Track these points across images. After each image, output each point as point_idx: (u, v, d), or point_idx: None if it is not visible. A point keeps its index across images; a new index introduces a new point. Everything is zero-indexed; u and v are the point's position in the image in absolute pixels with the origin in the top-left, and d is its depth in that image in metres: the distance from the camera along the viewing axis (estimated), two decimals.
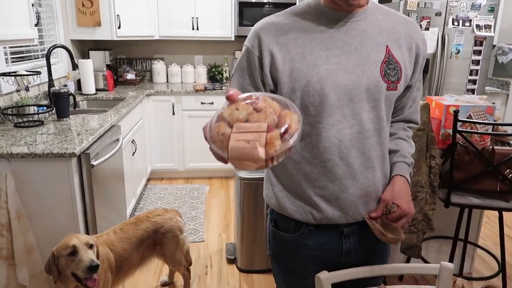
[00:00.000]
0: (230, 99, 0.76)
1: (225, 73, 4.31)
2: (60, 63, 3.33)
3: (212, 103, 3.85)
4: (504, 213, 2.06)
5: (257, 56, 1.01)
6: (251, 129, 0.71)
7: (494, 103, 2.39)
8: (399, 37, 1.05)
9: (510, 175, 1.89)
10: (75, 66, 2.91)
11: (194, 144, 3.94)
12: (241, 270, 2.58)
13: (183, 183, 4.00)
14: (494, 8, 3.59)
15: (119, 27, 3.53)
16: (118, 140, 2.57)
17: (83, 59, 3.46)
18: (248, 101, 0.75)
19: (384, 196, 1.07)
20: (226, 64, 4.33)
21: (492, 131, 2.06)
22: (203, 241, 2.93)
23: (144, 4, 3.77)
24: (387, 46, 1.02)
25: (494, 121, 2.05)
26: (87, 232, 2.10)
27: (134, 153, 3.17)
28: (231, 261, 2.67)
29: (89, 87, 3.42)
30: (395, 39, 1.04)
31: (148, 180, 3.98)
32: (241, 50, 1.08)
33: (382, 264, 1.17)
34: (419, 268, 1.21)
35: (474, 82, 3.81)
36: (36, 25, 2.25)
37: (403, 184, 1.09)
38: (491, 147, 1.90)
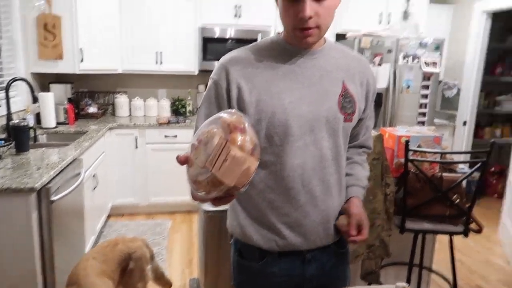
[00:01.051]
0: (185, 162, 0.84)
1: (189, 106, 4.36)
2: (19, 96, 3.26)
3: (176, 136, 3.87)
4: (454, 237, 2.18)
5: (225, 88, 1.07)
6: (216, 152, 0.77)
7: (443, 134, 2.58)
8: (353, 73, 1.16)
9: (457, 201, 2.03)
10: (35, 100, 2.86)
11: (157, 177, 3.91)
12: None
13: (145, 218, 3.92)
14: (439, 46, 3.92)
15: (82, 61, 3.53)
16: (79, 174, 2.52)
17: (43, 92, 3.41)
18: (194, 146, 0.83)
19: (354, 211, 1.13)
20: (189, 98, 4.40)
21: (441, 159, 2.22)
22: None
23: (108, 38, 3.81)
24: (343, 81, 1.12)
25: (442, 150, 2.21)
26: (44, 271, 2.02)
27: (95, 188, 3.10)
28: None
29: (50, 120, 3.36)
30: (350, 75, 1.15)
31: (109, 216, 3.87)
32: (204, 84, 1.15)
33: (343, 287, 1.23)
34: None
35: (424, 114, 4.07)
36: None
37: (361, 204, 1.17)
38: (439, 174, 2.04)
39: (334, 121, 1.09)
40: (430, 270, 2.59)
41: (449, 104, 4.57)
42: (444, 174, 2.06)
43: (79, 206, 2.59)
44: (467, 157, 3.03)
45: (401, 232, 2.10)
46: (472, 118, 4.33)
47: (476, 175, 2.37)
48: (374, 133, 2.01)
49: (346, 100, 1.12)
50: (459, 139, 4.37)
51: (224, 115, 0.82)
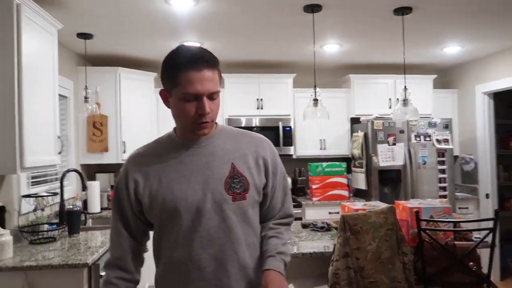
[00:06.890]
0: None
1: None
2: (70, 185, 3.67)
3: None
4: None
5: (124, 183, 1.25)
6: None
7: (467, 207, 2.70)
8: (245, 154, 1.26)
9: (474, 268, 2.14)
10: (84, 188, 3.25)
11: None
12: None
13: None
14: (448, 124, 4.20)
15: (124, 152, 3.98)
16: None
17: (89, 181, 3.83)
18: None
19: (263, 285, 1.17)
20: None
21: (454, 228, 2.36)
22: None
23: (146, 131, 4.29)
24: (232, 163, 1.23)
25: (453, 219, 2.37)
26: None
27: None
28: None
29: (95, 206, 3.72)
30: (240, 156, 1.25)
31: None
32: None
33: None
34: None
35: (444, 188, 4.22)
36: (59, 153, 2.66)
37: (267, 276, 1.19)
38: (452, 242, 2.19)
39: (220, 202, 1.19)
40: None
41: (469, 178, 4.70)
42: (457, 242, 2.20)
43: None
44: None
45: None
46: (494, 191, 4.41)
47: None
48: (387, 205, 2.22)
49: (235, 181, 1.22)
50: (484, 212, 4.42)
51: None
